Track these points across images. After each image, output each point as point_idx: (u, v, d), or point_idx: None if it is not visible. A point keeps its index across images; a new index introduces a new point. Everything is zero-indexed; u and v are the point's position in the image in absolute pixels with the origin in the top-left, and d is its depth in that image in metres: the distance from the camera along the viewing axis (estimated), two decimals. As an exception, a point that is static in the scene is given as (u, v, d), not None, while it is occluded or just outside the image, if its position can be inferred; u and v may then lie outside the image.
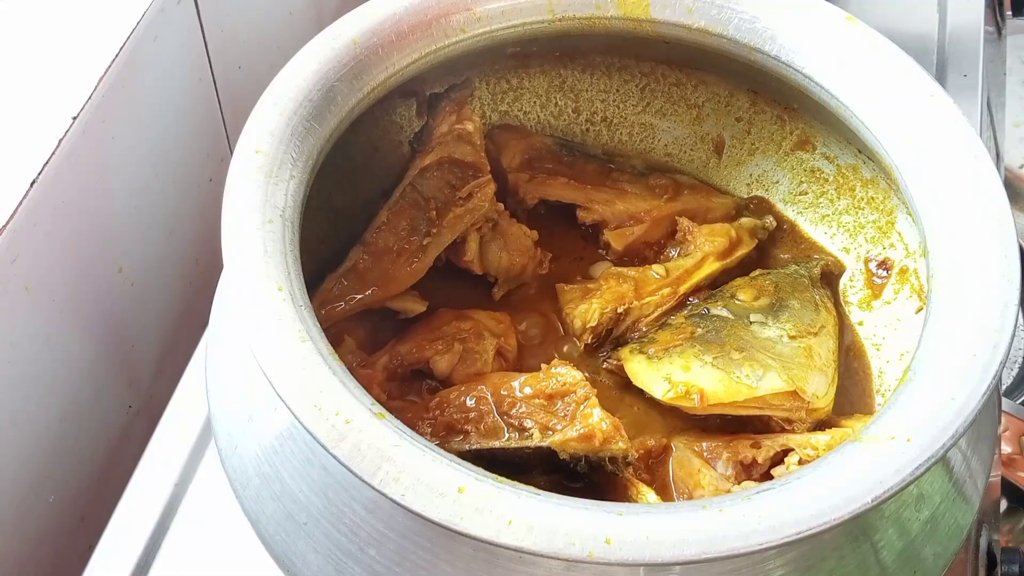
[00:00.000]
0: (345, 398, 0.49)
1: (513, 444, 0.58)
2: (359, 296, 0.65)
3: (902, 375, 0.53)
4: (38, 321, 0.68)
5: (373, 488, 0.47)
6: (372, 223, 0.67)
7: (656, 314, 0.69)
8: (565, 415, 0.59)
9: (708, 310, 0.67)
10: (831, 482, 0.48)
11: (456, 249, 0.69)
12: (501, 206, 0.71)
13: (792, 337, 0.65)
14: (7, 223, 0.63)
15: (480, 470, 0.48)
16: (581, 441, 0.57)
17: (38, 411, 0.70)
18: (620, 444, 0.58)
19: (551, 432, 0.58)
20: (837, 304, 0.70)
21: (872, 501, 0.47)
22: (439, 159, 0.69)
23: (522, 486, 0.47)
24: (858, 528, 0.54)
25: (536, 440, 0.58)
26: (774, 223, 0.74)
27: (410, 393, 0.65)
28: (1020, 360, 1.23)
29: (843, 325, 0.69)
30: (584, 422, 0.58)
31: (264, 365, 0.49)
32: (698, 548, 0.46)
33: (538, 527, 0.46)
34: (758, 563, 0.51)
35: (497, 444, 0.59)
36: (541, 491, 0.47)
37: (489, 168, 0.70)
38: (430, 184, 0.69)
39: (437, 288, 0.68)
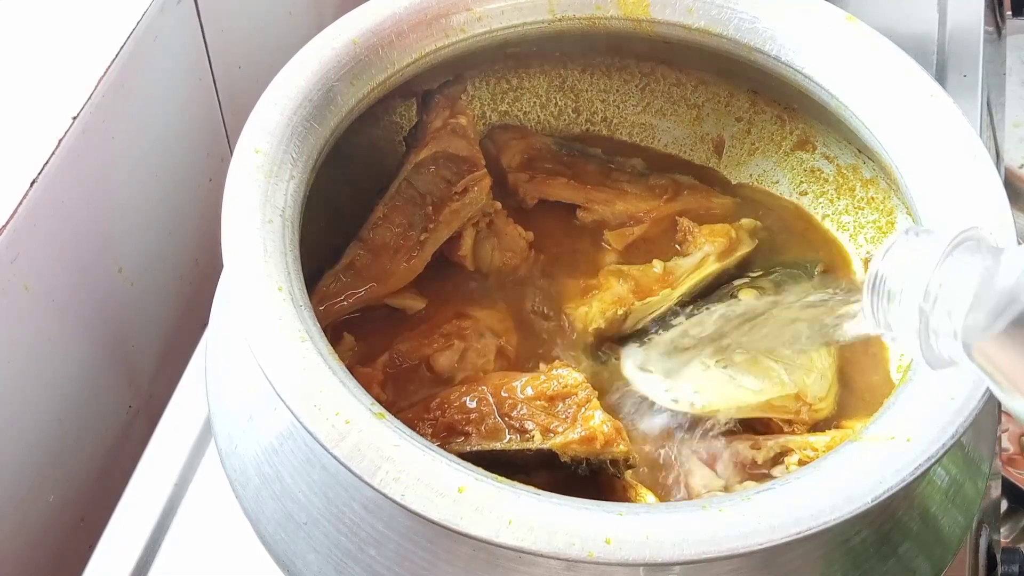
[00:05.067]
0: (345, 398, 0.49)
1: (514, 446, 0.58)
2: (357, 293, 0.65)
3: (902, 375, 0.53)
4: (38, 321, 0.68)
5: (373, 488, 0.47)
6: (368, 219, 0.67)
7: (656, 314, 0.69)
8: (566, 417, 0.59)
9: (708, 310, 0.67)
10: (831, 482, 0.48)
11: (451, 244, 0.69)
12: (498, 205, 0.71)
13: (792, 338, 0.65)
14: (7, 223, 0.63)
15: (480, 470, 0.48)
16: (582, 444, 0.57)
17: (38, 411, 0.70)
18: (622, 447, 0.58)
19: (552, 434, 0.58)
20: (837, 304, 0.70)
21: (872, 501, 0.47)
22: (433, 154, 0.69)
23: (522, 486, 0.47)
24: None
25: (537, 442, 0.58)
26: (774, 224, 0.74)
27: (410, 393, 0.64)
28: (1020, 360, 1.23)
29: (843, 325, 0.69)
30: (585, 424, 0.58)
31: (264, 365, 0.49)
32: (698, 548, 0.46)
33: (538, 527, 0.46)
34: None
35: (498, 446, 0.58)
36: (541, 491, 0.47)
37: (484, 161, 0.70)
38: (425, 179, 0.69)
39: (434, 287, 0.68)
